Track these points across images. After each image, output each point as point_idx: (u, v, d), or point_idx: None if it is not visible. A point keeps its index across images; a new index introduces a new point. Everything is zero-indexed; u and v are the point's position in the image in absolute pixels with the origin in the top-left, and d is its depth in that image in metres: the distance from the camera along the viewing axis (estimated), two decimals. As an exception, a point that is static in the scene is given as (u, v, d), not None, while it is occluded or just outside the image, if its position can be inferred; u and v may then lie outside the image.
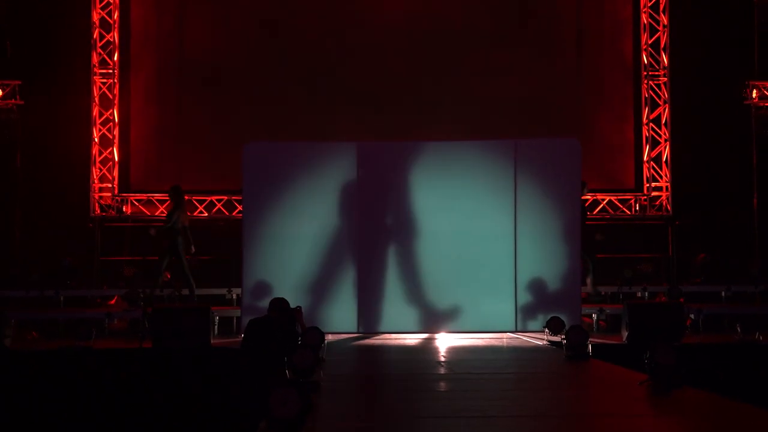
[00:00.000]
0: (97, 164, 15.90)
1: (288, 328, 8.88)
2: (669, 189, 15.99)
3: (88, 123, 15.86)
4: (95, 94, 15.91)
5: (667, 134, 16.04)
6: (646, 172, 16.09)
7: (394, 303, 11.67)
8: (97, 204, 15.85)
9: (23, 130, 15.40)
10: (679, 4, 16.01)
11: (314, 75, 16.03)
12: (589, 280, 12.80)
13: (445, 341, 10.84)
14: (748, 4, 15.55)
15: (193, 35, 16.22)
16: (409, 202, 11.79)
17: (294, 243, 11.66)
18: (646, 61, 16.14)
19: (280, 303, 8.98)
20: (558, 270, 11.65)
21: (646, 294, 13.46)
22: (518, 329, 11.60)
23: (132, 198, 15.97)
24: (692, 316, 11.54)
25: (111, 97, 15.96)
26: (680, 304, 11.01)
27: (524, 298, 11.63)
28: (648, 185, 16.05)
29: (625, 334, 10.45)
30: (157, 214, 15.87)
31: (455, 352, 9.71)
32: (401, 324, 11.65)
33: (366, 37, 16.15)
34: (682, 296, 12.46)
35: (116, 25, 16.05)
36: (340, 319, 11.51)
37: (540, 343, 10.45)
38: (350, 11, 16.26)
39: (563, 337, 9.15)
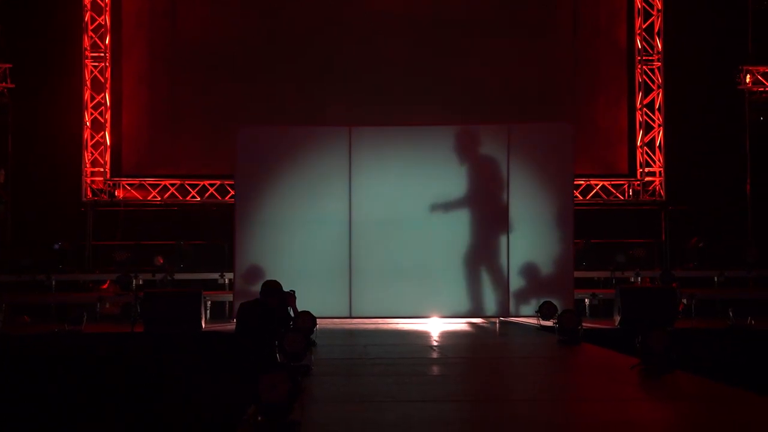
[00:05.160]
0: (89, 148, 15.82)
1: (280, 312, 8.85)
2: (662, 174, 15.96)
3: (80, 107, 15.77)
4: (87, 78, 15.80)
5: (661, 119, 16.01)
6: (639, 158, 16.06)
7: (387, 288, 11.66)
8: (89, 188, 15.78)
9: (14, 113, 15.30)
10: (673, -11, 15.97)
11: (309, 59, 15.94)
12: None
13: (437, 326, 10.84)
14: (742, -11, 15.51)
15: (185, 18, 16.11)
16: (402, 186, 11.76)
17: (286, 227, 11.65)
18: (640, 46, 16.09)
19: (272, 285, 8.93)
20: (551, 254, 11.66)
21: (639, 279, 13.46)
22: (511, 314, 11.61)
23: (124, 182, 15.89)
24: (685, 300, 11.54)
25: (103, 80, 15.86)
26: (672, 288, 11.03)
27: (517, 282, 11.64)
28: (641, 170, 16.02)
29: (617, 318, 10.47)
30: (149, 198, 15.82)
31: (447, 336, 9.71)
32: (394, 309, 11.65)
33: (361, 21, 16.05)
34: (675, 281, 12.46)
35: (108, 8, 15.92)
36: (332, 303, 11.50)
37: (532, 327, 10.45)
38: (345, -5, 16.18)
39: (555, 321, 9.15)
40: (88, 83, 15.81)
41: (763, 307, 11.57)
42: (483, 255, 11.69)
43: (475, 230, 11.69)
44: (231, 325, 10.60)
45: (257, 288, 9.18)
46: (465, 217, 11.70)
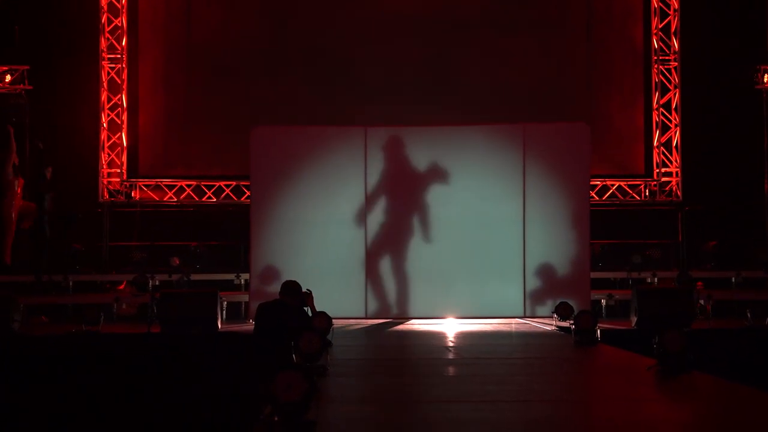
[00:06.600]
0: (106, 149, 15.89)
1: (298, 312, 8.85)
2: (679, 174, 15.90)
3: (97, 108, 15.85)
4: (103, 79, 15.88)
5: (678, 119, 15.94)
6: (656, 158, 16.00)
7: (403, 288, 11.66)
8: (105, 189, 15.85)
9: (32, 115, 15.37)
10: (690, -12, 15.90)
11: (323, 60, 15.96)
12: None
13: (453, 326, 10.82)
14: (760, -12, 15.43)
15: (201, 20, 16.17)
16: (418, 186, 11.76)
17: (302, 227, 11.67)
18: (656, 46, 16.03)
19: (292, 285, 8.94)
20: (567, 255, 11.63)
21: (656, 279, 13.41)
22: (527, 315, 11.58)
23: (140, 183, 15.96)
24: (702, 301, 11.49)
25: (119, 82, 15.93)
26: (689, 289, 10.98)
27: (533, 283, 11.62)
28: (658, 171, 15.96)
29: (634, 319, 10.42)
30: (165, 199, 15.87)
31: (463, 337, 9.69)
32: (410, 309, 11.64)
33: (375, 23, 16.06)
34: (692, 282, 12.40)
35: (124, 10, 16.00)
36: (348, 303, 11.51)
37: (549, 328, 10.43)
38: (360, -3, 16.19)
39: (572, 322, 9.13)
40: (105, 85, 15.89)
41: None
42: (498, 254, 11.67)
43: (490, 230, 11.68)
44: (247, 326, 10.65)
45: (273, 289, 9.20)
46: (480, 216, 11.68)
